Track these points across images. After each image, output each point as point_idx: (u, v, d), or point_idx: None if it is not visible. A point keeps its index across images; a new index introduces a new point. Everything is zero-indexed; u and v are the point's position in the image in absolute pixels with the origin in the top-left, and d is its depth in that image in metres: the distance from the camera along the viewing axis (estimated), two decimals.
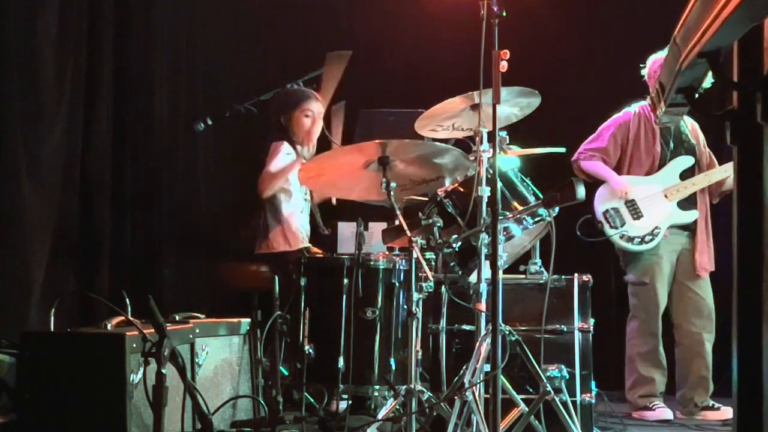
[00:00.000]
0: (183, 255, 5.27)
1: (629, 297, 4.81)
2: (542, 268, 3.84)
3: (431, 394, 3.34)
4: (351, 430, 3.44)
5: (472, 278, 3.35)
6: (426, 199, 3.72)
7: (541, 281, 3.79)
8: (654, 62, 4.69)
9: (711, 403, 4.66)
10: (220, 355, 3.68)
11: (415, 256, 3.24)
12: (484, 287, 3.22)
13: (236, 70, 5.70)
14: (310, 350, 3.66)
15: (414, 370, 3.23)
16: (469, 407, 3.01)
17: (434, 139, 3.75)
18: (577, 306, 3.79)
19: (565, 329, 3.76)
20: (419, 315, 3.26)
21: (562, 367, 3.54)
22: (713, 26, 1.40)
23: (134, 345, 2.90)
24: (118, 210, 4.91)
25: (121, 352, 2.88)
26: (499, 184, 2.99)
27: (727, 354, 1.71)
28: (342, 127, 4.74)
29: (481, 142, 3.33)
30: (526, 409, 3.30)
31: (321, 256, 4.23)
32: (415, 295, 3.25)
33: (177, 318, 3.58)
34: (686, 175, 4.72)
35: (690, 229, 4.72)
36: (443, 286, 3.60)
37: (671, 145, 4.73)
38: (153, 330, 2.73)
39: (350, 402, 3.65)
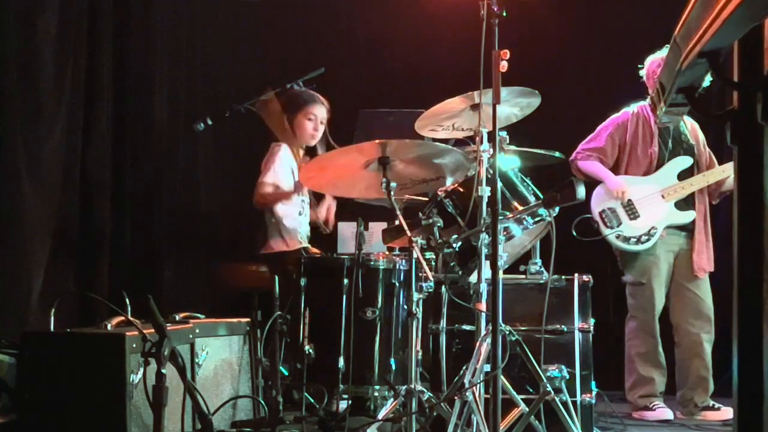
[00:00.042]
0: (183, 255, 5.28)
1: (627, 297, 4.81)
2: (542, 268, 3.84)
3: (431, 395, 3.34)
4: (351, 431, 3.44)
5: (473, 278, 3.35)
6: (426, 199, 3.72)
7: (542, 281, 3.79)
8: (652, 62, 4.70)
9: (711, 403, 4.65)
10: (220, 355, 3.68)
11: (415, 256, 3.24)
12: (484, 287, 3.22)
13: (236, 70, 5.70)
14: (310, 350, 3.66)
15: (414, 370, 3.23)
16: (470, 407, 3.01)
17: (434, 139, 3.75)
18: (577, 306, 3.79)
19: (565, 329, 3.76)
20: (419, 315, 3.26)
21: (563, 367, 3.54)
22: (714, 26, 1.40)
23: (134, 345, 2.90)
24: (118, 210, 4.91)
25: (121, 352, 2.88)
26: (500, 184, 2.99)
27: (727, 354, 1.70)
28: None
29: (481, 142, 3.33)
30: (527, 409, 3.30)
31: (321, 256, 4.24)
32: (415, 295, 3.25)
33: (177, 318, 3.58)
34: (684, 175, 4.71)
35: (688, 229, 4.72)
36: (443, 286, 3.60)
37: (670, 145, 4.73)
38: (153, 330, 2.73)
39: (350, 402, 3.65)
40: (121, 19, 4.94)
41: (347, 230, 4.75)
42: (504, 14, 3.06)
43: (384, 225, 3.94)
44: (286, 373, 3.74)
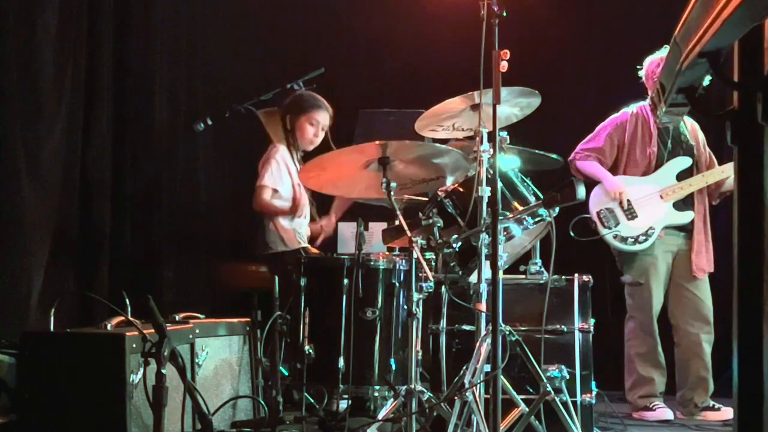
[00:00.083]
0: (183, 255, 5.28)
1: (626, 297, 4.81)
2: (542, 269, 3.84)
3: (431, 395, 3.34)
4: (351, 431, 3.44)
5: (473, 278, 3.35)
6: (426, 199, 3.72)
7: (542, 281, 3.79)
8: (650, 63, 4.70)
9: (711, 403, 4.65)
10: (220, 356, 3.68)
11: (415, 256, 3.24)
12: (484, 287, 3.22)
13: (236, 70, 5.70)
14: (310, 350, 3.65)
15: (414, 370, 3.23)
16: (470, 407, 3.01)
17: (434, 140, 3.75)
18: (577, 306, 3.79)
19: (565, 329, 3.75)
20: (419, 315, 3.26)
21: (563, 367, 3.53)
22: (714, 26, 1.40)
23: (134, 345, 2.90)
24: (118, 210, 4.91)
25: (121, 353, 2.87)
26: (500, 184, 2.99)
27: (727, 354, 1.70)
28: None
29: (482, 142, 3.33)
30: (527, 409, 3.29)
31: (321, 256, 4.23)
32: (415, 296, 3.25)
33: (177, 318, 3.57)
34: (684, 175, 4.71)
35: (687, 230, 4.72)
36: (443, 287, 3.60)
37: (669, 145, 4.73)
38: (153, 330, 2.73)
39: (350, 402, 3.65)
40: (121, 19, 4.94)
41: (347, 230, 4.75)
42: (504, 14, 3.06)
43: (384, 225, 3.93)
44: (286, 373, 3.73)
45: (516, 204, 3.42)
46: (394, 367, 3.72)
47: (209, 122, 4.71)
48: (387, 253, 4.06)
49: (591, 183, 4.72)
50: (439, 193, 3.49)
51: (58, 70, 4.35)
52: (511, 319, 3.54)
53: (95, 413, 2.88)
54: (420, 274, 3.26)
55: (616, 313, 4.95)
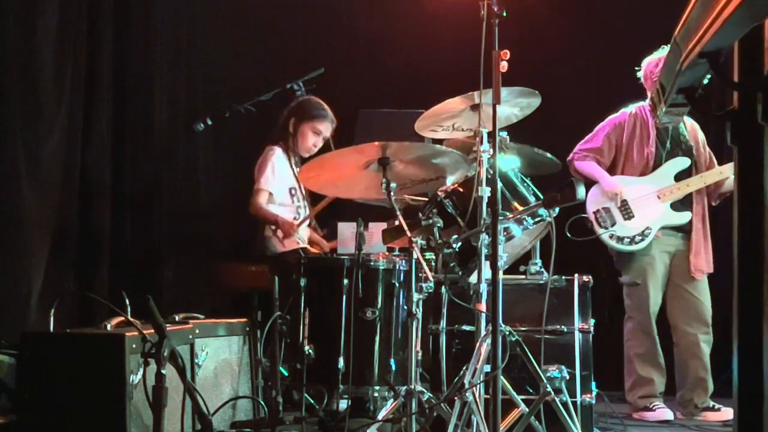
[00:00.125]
0: (182, 255, 5.28)
1: (624, 298, 4.81)
2: (542, 269, 3.83)
3: (431, 395, 3.34)
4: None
5: (472, 279, 3.35)
6: (426, 199, 3.72)
7: (542, 282, 3.79)
8: (649, 63, 4.70)
9: (711, 403, 4.65)
10: (219, 356, 3.67)
11: (415, 256, 3.24)
12: (484, 288, 3.22)
13: (236, 70, 5.70)
14: (310, 351, 3.65)
15: (414, 370, 3.23)
16: (469, 408, 3.01)
17: (434, 140, 3.75)
18: (577, 306, 3.79)
19: (565, 330, 3.75)
20: (419, 315, 3.26)
21: (563, 367, 3.53)
22: (714, 26, 1.40)
23: (134, 345, 2.89)
24: (118, 210, 4.91)
25: (121, 353, 2.87)
26: (500, 185, 2.99)
27: (727, 354, 1.70)
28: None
29: (481, 143, 3.33)
30: (527, 409, 3.29)
31: (321, 256, 4.23)
32: (415, 296, 3.25)
33: (177, 318, 3.57)
34: (682, 176, 4.71)
35: (685, 230, 4.72)
36: (443, 287, 3.60)
37: (668, 146, 4.73)
38: (153, 330, 2.73)
39: (350, 402, 3.65)
40: (121, 19, 4.94)
41: (347, 230, 4.74)
42: (504, 14, 3.06)
43: (384, 225, 3.93)
44: (286, 374, 3.73)
45: (516, 204, 3.42)
46: (394, 368, 3.72)
47: (209, 122, 4.72)
48: (387, 253, 4.06)
49: (589, 183, 4.72)
50: (439, 194, 3.48)
51: (58, 70, 4.35)
52: (511, 319, 3.54)
53: (95, 413, 2.87)
54: (420, 275, 3.26)
55: (615, 314, 4.94)
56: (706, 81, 1.74)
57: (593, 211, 4.71)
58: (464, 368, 3.16)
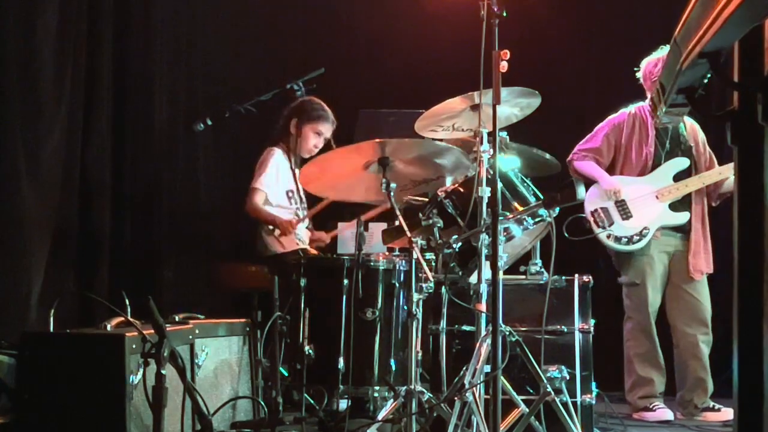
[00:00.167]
0: (182, 255, 5.27)
1: (623, 298, 4.81)
2: (542, 269, 3.83)
3: (431, 395, 3.34)
4: None
5: (473, 279, 3.35)
6: (426, 199, 3.72)
7: (542, 282, 3.78)
8: (648, 64, 4.70)
9: (711, 404, 4.65)
10: (219, 356, 3.67)
11: (415, 256, 3.24)
12: (484, 288, 3.22)
13: (236, 70, 5.70)
14: (310, 351, 3.65)
15: (414, 370, 3.23)
16: (470, 408, 3.01)
17: (434, 140, 3.74)
18: (577, 307, 3.79)
19: (565, 330, 3.75)
20: (419, 316, 3.26)
21: (563, 367, 3.53)
22: (714, 26, 1.40)
23: (134, 346, 2.89)
24: (118, 210, 4.91)
25: (121, 353, 2.87)
26: (500, 185, 2.98)
27: (727, 354, 1.70)
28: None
29: (482, 143, 3.33)
30: (527, 409, 3.29)
31: (321, 256, 4.23)
32: (415, 296, 3.25)
33: (177, 319, 3.57)
34: (681, 176, 4.71)
35: (684, 230, 4.71)
36: (443, 287, 3.60)
37: (667, 146, 4.73)
38: (152, 331, 2.73)
39: (350, 403, 3.65)
40: (121, 19, 4.94)
41: (347, 231, 4.75)
42: (504, 14, 3.06)
43: (384, 225, 3.93)
44: (286, 374, 3.73)
45: (516, 204, 3.41)
46: (394, 368, 3.72)
47: (209, 122, 4.71)
48: (387, 253, 4.06)
49: (588, 183, 4.72)
50: (439, 194, 3.48)
51: (58, 70, 4.35)
52: (511, 319, 3.54)
53: (95, 414, 2.87)
54: (420, 275, 3.26)
55: (615, 314, 4.94)
56: (705, 81, 1.74)
57: (591, 210, 4.71)
58: (464, 368, 3.16)
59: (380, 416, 3.38)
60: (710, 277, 4.73)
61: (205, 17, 5.64)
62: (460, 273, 3.46)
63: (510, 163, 3.61)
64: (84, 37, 4.58)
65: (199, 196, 5.52)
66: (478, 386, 3.04)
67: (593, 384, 3.75)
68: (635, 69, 4.76)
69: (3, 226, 4.08)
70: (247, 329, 3.89)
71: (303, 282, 3.72)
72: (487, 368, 3.04)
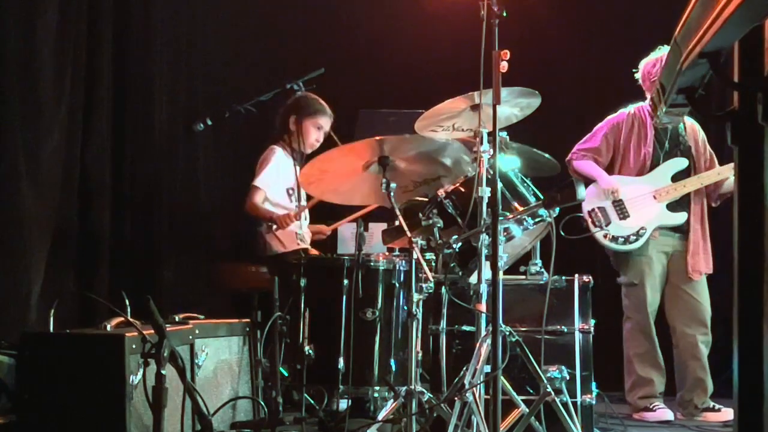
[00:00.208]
0: (182, 255, 5.27)
1: (622, 298, 4.81)
2: (542, 269, 3.83)
3: (431, 395, 3.33)
4: None
5: (473, 279, 3.35)
6: (426, 199, 3.72)
7: (542, 282, 3.78)
8: (646, 64, 4.71)
9: (711, 404, 4.65)
10: (219, 356, 3.67)
11: (415, 256, 3.23)
12: (484, 288, 3.22)
13: (236, 70, 5.70)
14: (310, 351, 3.65)
15: (414, 371, 3.23)
16: (470, 408, 3.01)
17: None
18: (577, 307, 3.79)
19: (565, 330, 3.75)
20: (419, 316, 3.26)
21: (563, 368, 3.53)
22: (714, 26, 1.39)
23: (134, 346, 2.89)
24: (118, 210, 4.90)
25: (121, 353, 2.87)
26: (500, 185, 2.98)
27: (727, 354, 1.70)
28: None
29: (482, 143, 3.33)
30: (527, 410, 3.29)
31: (321, 256, 4.23)
32: (415, 296, 3.25)
33: (176, 319, 3.57)
34: (679, 177, 4.70)
35: (682, 230, 4.71)
36: (443, 287, 3.60)
37: (666, 146, 4.73)
38: (152, 331, 2.72)
39: (350, 403, 3.65)
40: (121, 19, 4.93)
41: (347, 231, 4.75)
42: (504, 14, 3.06)
43: (384, 225, 3.93)
44: (286, 374, 3.73)
45: (516, 204, 3.41)
46: (394, 368, 3.72)
47: (209, 122, 4.72)
48: (387, 253, 4.06)
49: (587, 182, 4.71)
50: (439, 194, 3.48)
51: (58, 70, 4.35)
52: (511, 319, 3.53)
53: (95, 414, 2.87)
54: (420, 275, 3.26)
55: (616, 314, 4.94)
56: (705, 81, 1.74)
57: (588, 210, 4.72)
58: (464, 369, 3.16)
59: (380, 416, 3.38)
60: (710, 278, 4.73)
61: (205, 17, 5.63)
62: (460, 273, 3.46)
63: (510, 163, 3.61)
64: (84, 37, 4.58)
65: (199, 196, 5.52)
66: (478, 386, 3.04)
67: (593, 384, 3.75)
68: (633, 71, 4.76)
69: (3, 226, 4.08)
70: (247, 329, 3.89)
71: (303, 282, 3.71)
72: (487, 368, 3.04)
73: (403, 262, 3.75)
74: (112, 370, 2.87)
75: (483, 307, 3.21)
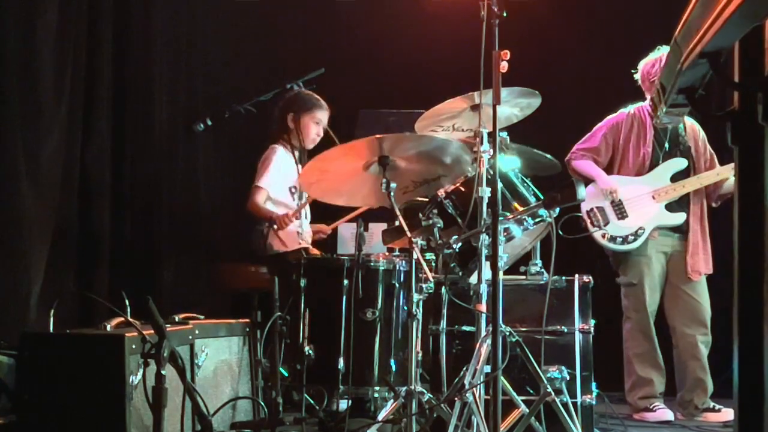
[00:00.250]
0: (182, 255, 5.27)
1: (622, 299, 4.81)
2: (542, 269, 3.83)
3: (431, 396, 3.33)
4: None
5: (473, 279, 3.35)
6: (426, 199, 3.72)
7: (542, 282, 3.78)
8: (645, 65, 4.71)
9: (712, 404, 4.65)
10: (219, 357, 3.67)
11: (415, 257, 3.23)
12: (484, 288, 3.22)
13: (236, 70, 5.70)
14: (310, 351, 3.65)
15: (414, 371, 3.23)
16: (470, 408, 3.01)
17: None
18: (577, 307, 3.79)
19: (565, 330, 3.75)
20: (419, 316, 3.25)
21: (563, 368, 3.53)
22: (714, 26, 1.39)
23: (134, 346, 2.89)
24: (118, 210, 4.90)
25: (121, 353, 2.87)
26: (500, 185, 2.98)
27: (727, 354, 1.70)
28: None
29: (482, 143, 3.33)
30: (527, 410, 3.29)
31: (321, 256, 4.23)
32: (415, 296, 3.24)
33: (176, 319, 3.56)
34: (679, 177, 4.70)
35: (681, 231, 4.71)
36: (443, 287, 3.60)
37: (666, 146, 4.73)
38: (152, 331, 2.72)
39: (350, 403, 3.65)
40: (121, 19, 4.93)
41: (347, 231, 4.75)
42: (504, 14, 3.06)
43: (384, 226, 3.93)
44: (286, 374, 3.73)
45: (516, 204, 3.41)
46: (394, 368, 3.72)
47: (209, 122, 4.72)
48: (387, 253, 4.06)
49: (586, 182, 4.71)
50: (439, 194, 3.48)
51: (58, 70, 4.35)
52: (511, 319, 3.53)
53: (95, 414, 2.87)
54: (420, 275, 3.25)
55: (616, 314, 4.94)
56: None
57: (587, 210, 4.72)
58: (464, 369, 3.16)
59: (380, 417, 3.37)
60: (710, 278, 4.73)
61: (205, 17, 5.64)
62: (460, 273, 3.46)
63: (510, 163, 3.61)
64: (84, 37, 4.58)
65: (199, 196, 5.52)
66: (478, 387, 3.04)
67: (593, 384, 3.74)
68: (633, 71, 4.76)
69: (3, 226, 4.08)
70: (247, 330, 3.89)
71: (303, 282, 3.71)
72: (487, 368, 3.04)
73: (403, 262, 3.75)
74: (112, 370, 2.87)
75: (483, 307, 3.21)
